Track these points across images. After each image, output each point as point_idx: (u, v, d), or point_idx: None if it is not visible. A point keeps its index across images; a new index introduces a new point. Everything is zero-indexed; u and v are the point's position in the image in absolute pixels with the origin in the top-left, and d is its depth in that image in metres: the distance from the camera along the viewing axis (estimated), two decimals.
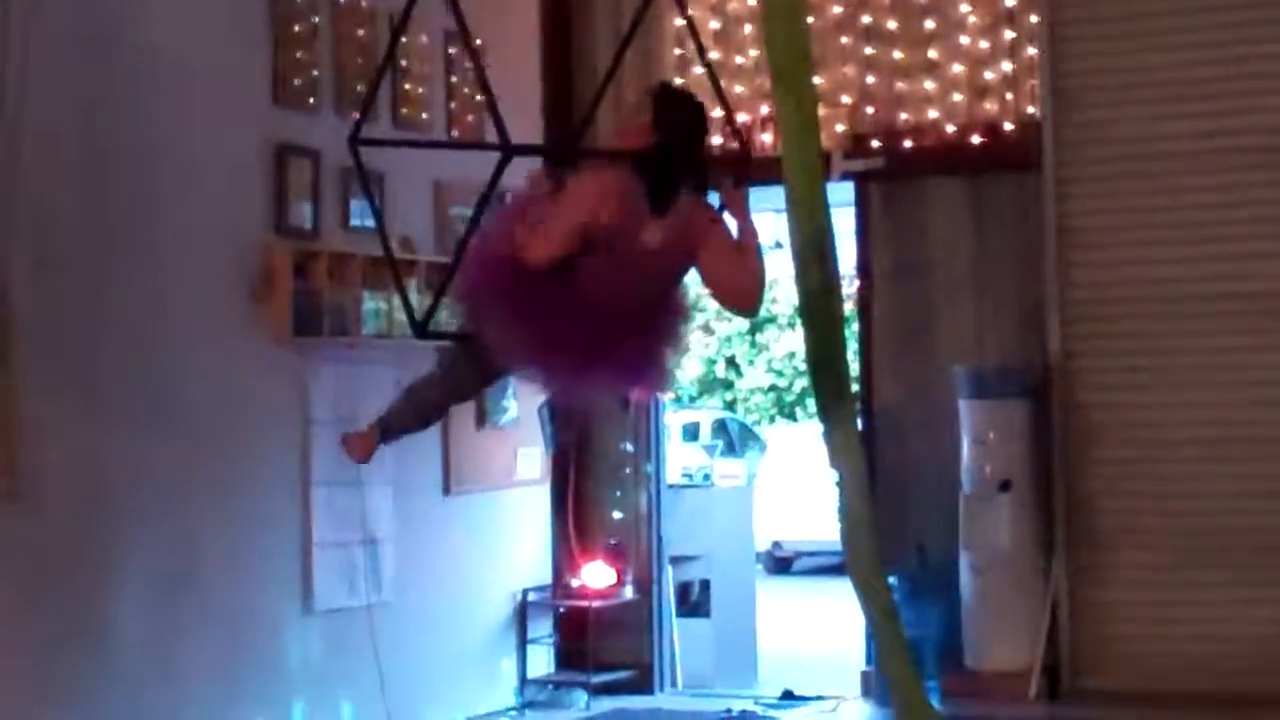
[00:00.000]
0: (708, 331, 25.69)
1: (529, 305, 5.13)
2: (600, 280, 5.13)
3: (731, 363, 26.96)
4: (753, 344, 26.68)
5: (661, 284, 5.30)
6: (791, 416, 26.18)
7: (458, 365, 5.51)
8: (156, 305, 7.23)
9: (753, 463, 21.02)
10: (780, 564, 18.69)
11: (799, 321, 5.64)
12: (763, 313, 26.13)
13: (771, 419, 26.76)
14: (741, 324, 26.24)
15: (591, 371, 5.27)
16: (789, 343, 24.89)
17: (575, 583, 9.50)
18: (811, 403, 6.15)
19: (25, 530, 6.57)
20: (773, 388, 27.03)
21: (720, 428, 22.46)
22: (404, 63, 8.66)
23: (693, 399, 25.94)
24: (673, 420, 20.17)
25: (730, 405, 26.51)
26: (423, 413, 5.63)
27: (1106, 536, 8.44)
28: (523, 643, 9.33)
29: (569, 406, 9.46)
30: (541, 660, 9.50)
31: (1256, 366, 8.24)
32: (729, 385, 27.10)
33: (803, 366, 18.02)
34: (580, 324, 5.14)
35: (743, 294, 5.34)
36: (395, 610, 8.31)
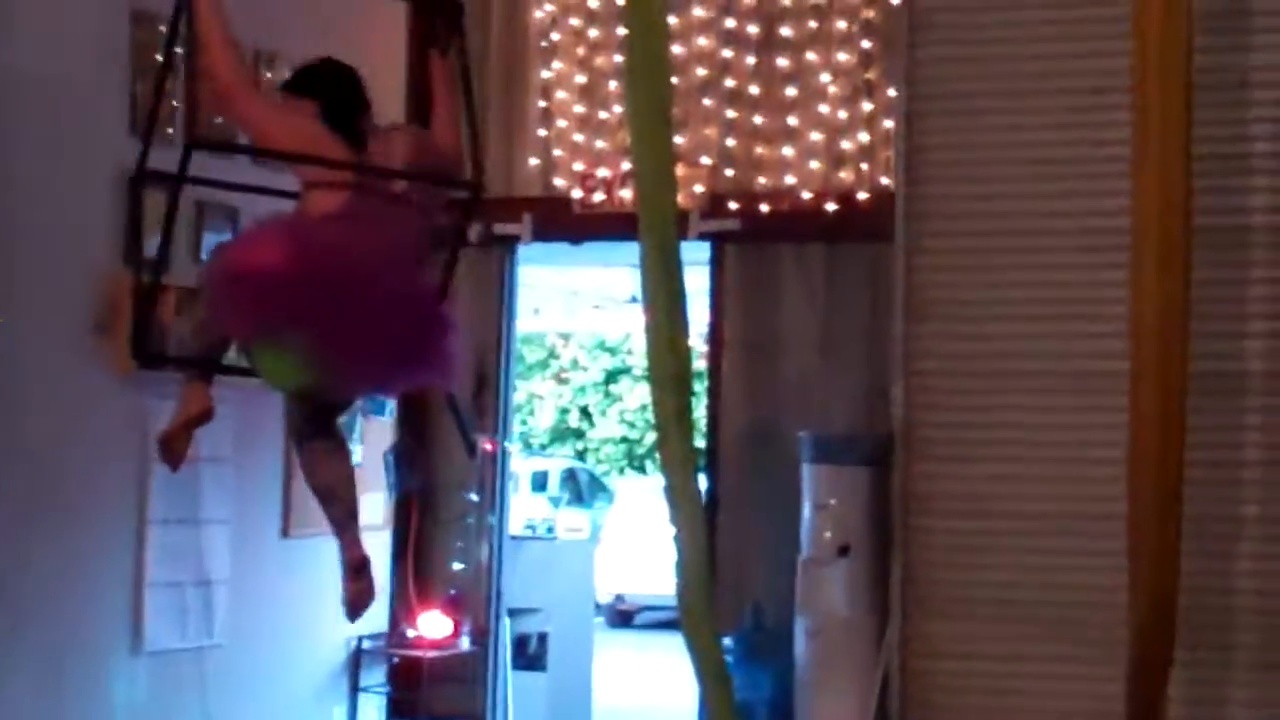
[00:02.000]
0: (561, 381, 25.70)
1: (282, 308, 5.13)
2: (342, 239, 5.16)
3: (584, 412, 26.99)
4: (606, 394, 26.74)
5: (405, 229, 5.34)
6: (641, 469, 26.27)
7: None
8: (1, 331, 7.12)
9: (599, 513, 21.05)
10: (622, 617, 18.70)
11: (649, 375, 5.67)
12: (617, 363, 26.27)
13: (621, 470, 26.82)
14: (595, 374, 26.33)
15: (364, 358, 5.26)
16: (641, 394, 25.01)
17: (411, 633, 9.43)
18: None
19: None
20: (624, 439, 27.11)
21: (569, 477, 22.48)
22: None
23: (544, 447, 25.94)
24: (521, 468, 20.16)
25: (581, 455, 26.54)
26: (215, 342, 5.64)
27: (941, 606, 8.50)
28: (354, 691, 9.26)
29: (416, 452, 9.46)
30: (373, 710, 9.42)
31: (1086, 443, 8.36)
32: (580, 435, 27.13)
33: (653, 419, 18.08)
34: (336, 306, 5.11)
35: (445, 153, 5.49)
36: (227, 653, 8.22)
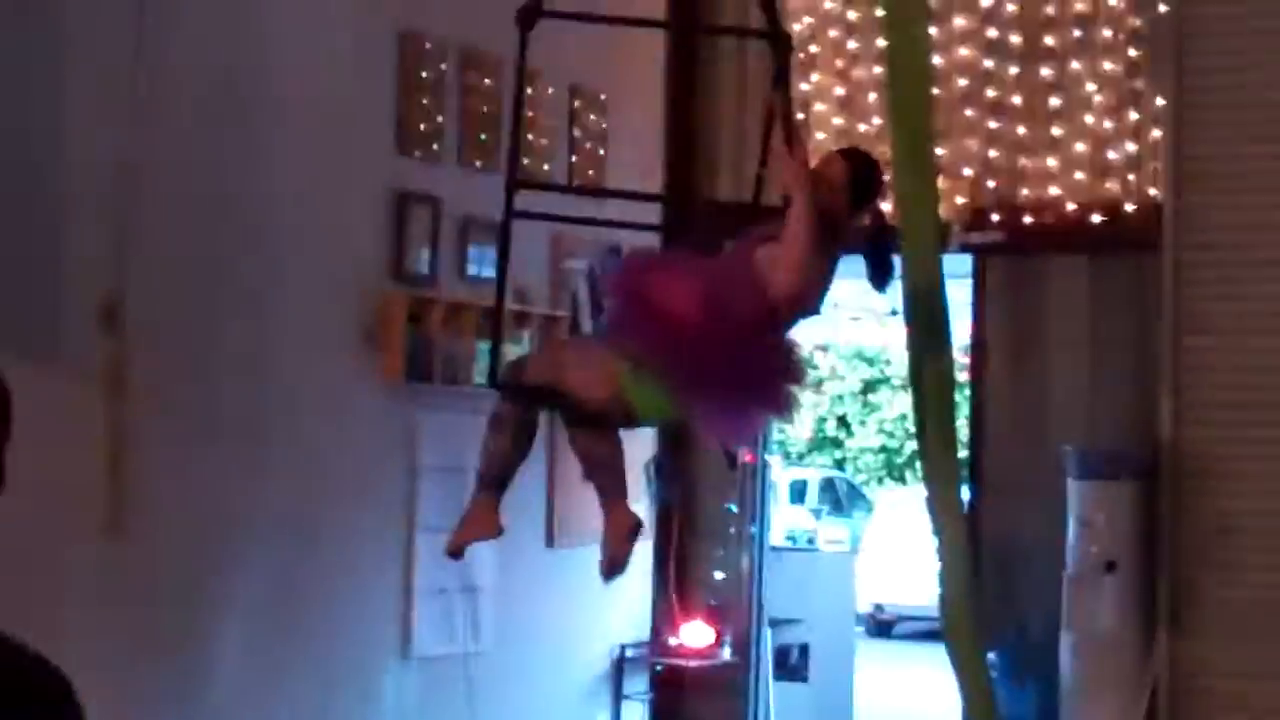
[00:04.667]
0: (818, 389, 25.63)
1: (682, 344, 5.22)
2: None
3: (842, 421, 26.90)
4: (864, 404, 26.62)
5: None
6: (901, 479, 26.10)
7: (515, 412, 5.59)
8: (272, 345, 7.31)
9: (859, 524, 20.96)
10: (881, 627, 18.60)
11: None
12: (875, 374, 26.12)
13: (880, 480, 26.67)
14: (854, 383, 26.23)
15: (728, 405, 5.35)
16: (901, 404, 24.84)
17: (674, 641, 9.50)
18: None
19: (128, 564, 6.64)
20: (883, 448, 26.97)
21: (828, 486, 22.42)
22: (529, 114, 8.72)
23: (801, 457, 25.89)
24: (780, 478, 20.16)
25: (839, 464, 26.45)
26: (508, 455, 5.66)
27: (1212, 626, 8.34)
28: (618, 699, 9.34)
29: (677, 462, 9.53)
30: (636, 717, 9.49)
31: None
32: (839, 444, 27.04)
33: (913, 429, 17.97)
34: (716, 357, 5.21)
35: (780, 285, 5.22)
36: (493, 660, 8.34)
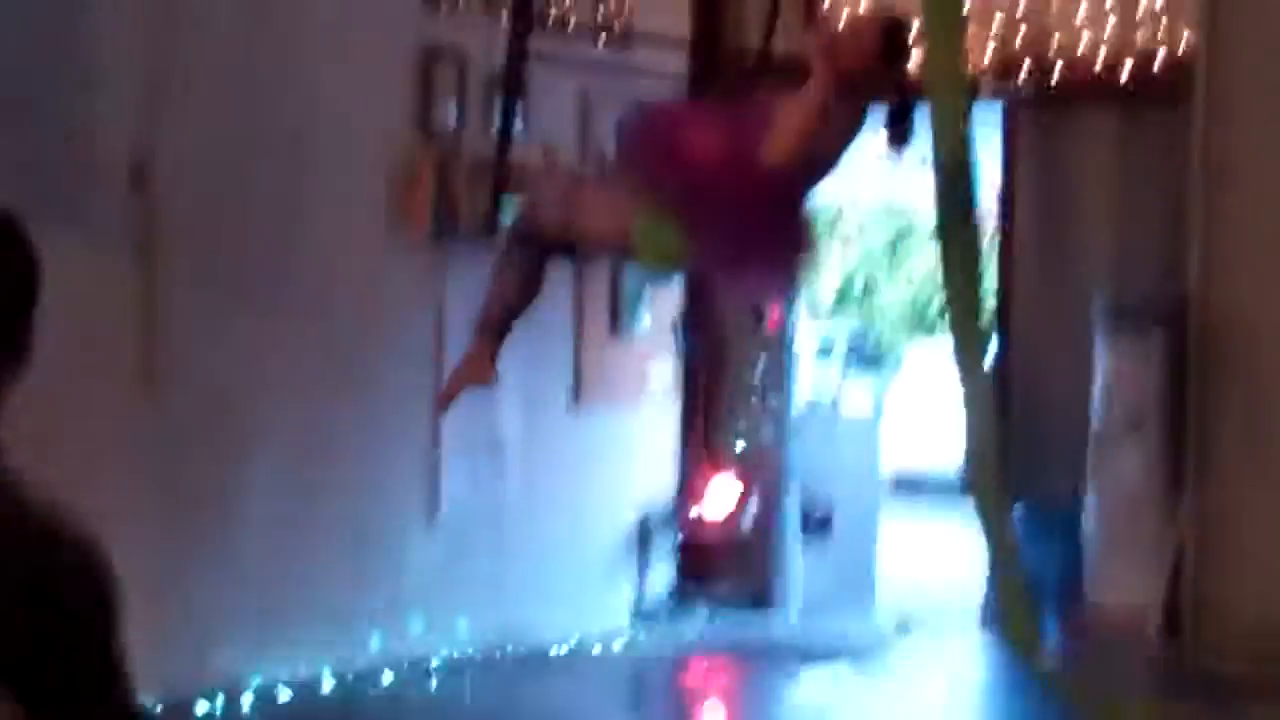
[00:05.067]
0: (845, 245, 25.54)
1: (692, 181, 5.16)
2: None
3: (870, 277, 26.81)
4: (893, 257, 26.52)
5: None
6: (930, 331, 26.01)
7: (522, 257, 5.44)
8: (302, 203, 7.30)
9: (886, 380, 20.92)
10: (910, 486, 18.61)
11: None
12: (903, 225, 26.01)
13: (910, 334, 26.60)
14: (881, 238, 26.12)
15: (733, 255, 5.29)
16: (930, 258, 24.73)
17: (698, 505, 9.43)
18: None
19: (160, 419, 6.67)
20: (912, 302, 26.87)
21: (856, 341, 22.35)
22: None
23: (830, 312, 25.84)
24: (807, 332, 20.09)
25: (868, 319, 26.38)
26: (512, 302, 5.47)
27: (1240, 476, 8.31)
28: (644, 559, 9.35)
29: (705, 320, 9.49)
30: (662, 574, 9.50)
31: None
32: (868, 297, 26.95)
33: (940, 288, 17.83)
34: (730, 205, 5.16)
35: (769, 150, 5.11)
36: (518, 519, 8.37)
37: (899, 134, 5.33)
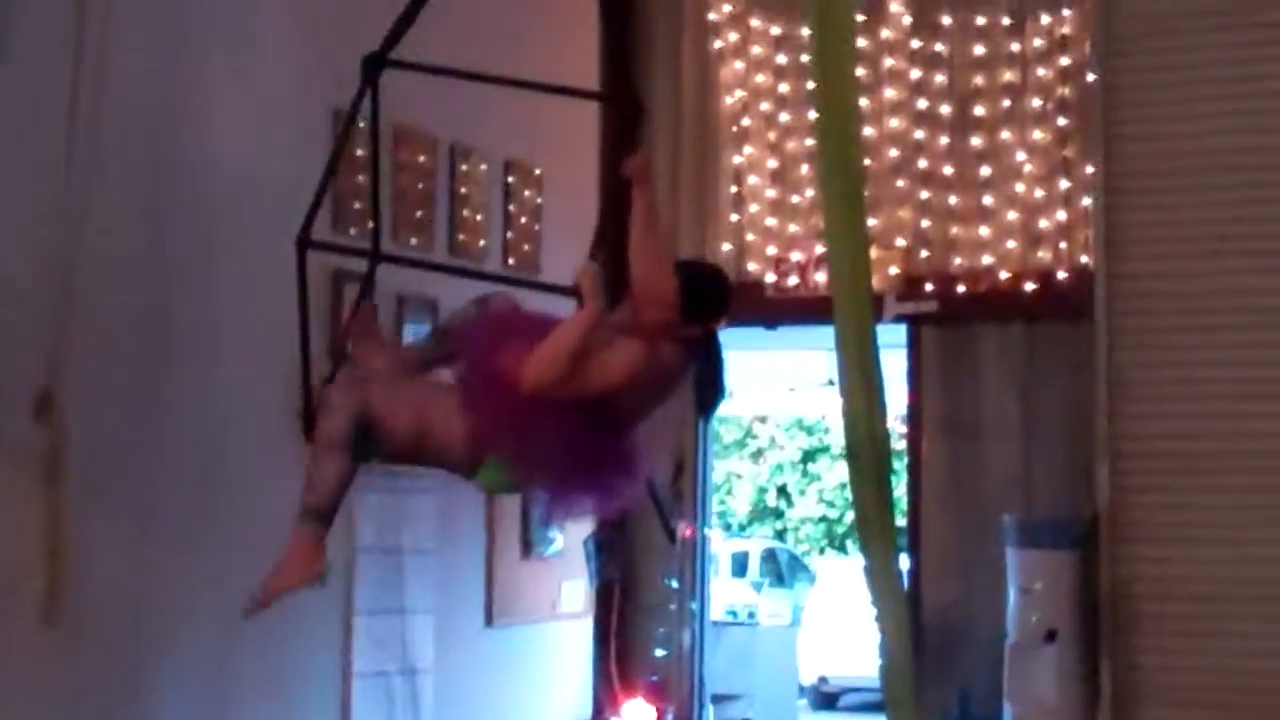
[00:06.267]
0: (757, 460, 25.65)
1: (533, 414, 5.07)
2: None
3: (782, 492, 26.90)
4: (804, 474, 26.63)
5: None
6: (842, 548, 26.07)
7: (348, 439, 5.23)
8: (211, 424, 7.24)
9: (800, 594, 20.92)
10: (826, 699, 18.53)
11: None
12: (814, 443, 26.17)
13: (822, 550, 26.65)
14: (793, 453, 26.27)
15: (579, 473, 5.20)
16: (841, 473, 24.86)
17: None
18: None
19: (64, 655, 6.55)
20: (824, 518, 26.96)
21: (769, 557, 22.37)
22: (463, 190, 8.72)
23: (743, 528, 25.87)
24: (721, 549, 20.10)
25: (780, 535, 26.43)
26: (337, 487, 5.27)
27: (1152, 694, 8.32)
28: None
29: (615, 540, 9.48)
30: None
31: None
32: (779, 514, 27.02)
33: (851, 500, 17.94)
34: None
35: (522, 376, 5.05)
36: None
37: (704, 391, 5.29)
